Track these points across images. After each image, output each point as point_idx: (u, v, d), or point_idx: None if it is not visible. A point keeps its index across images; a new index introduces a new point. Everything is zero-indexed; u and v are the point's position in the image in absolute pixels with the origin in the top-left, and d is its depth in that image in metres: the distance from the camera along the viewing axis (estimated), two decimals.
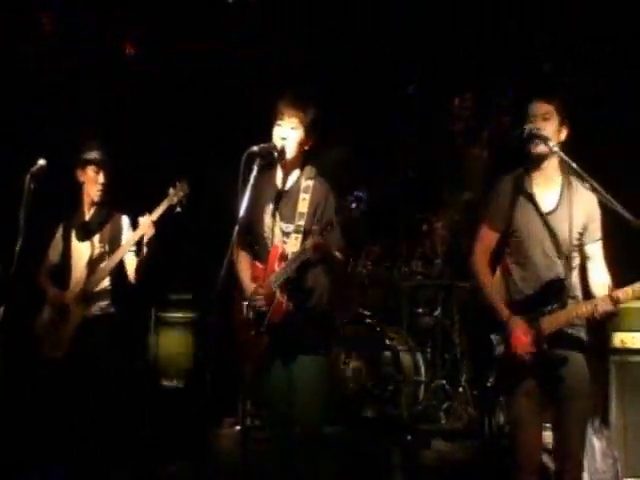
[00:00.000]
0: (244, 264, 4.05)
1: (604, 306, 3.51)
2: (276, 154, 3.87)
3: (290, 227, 3.90)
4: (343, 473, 4.86)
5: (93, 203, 4.90)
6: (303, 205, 3.88)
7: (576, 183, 3.73)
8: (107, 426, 4.71)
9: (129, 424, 5.21)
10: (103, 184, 4.84)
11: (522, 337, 3.63)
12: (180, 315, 6.65)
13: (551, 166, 3.75)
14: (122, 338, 4.88)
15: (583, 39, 5.75)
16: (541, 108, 3.70)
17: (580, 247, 3.75)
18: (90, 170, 4.83)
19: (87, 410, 4.62)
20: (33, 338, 4.83)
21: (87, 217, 4.91)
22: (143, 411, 5.61)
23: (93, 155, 4.83)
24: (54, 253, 4.95)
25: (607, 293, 3.55)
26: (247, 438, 4.60)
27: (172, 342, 6.53)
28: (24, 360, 4.99)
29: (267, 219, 3.96)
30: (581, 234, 3.72)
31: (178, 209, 4.70)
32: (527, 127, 3.67)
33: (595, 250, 3.76)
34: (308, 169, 3.99)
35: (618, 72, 5.60)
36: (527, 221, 3.76)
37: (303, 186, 3.93)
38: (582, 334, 3.73)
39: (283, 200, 3.96)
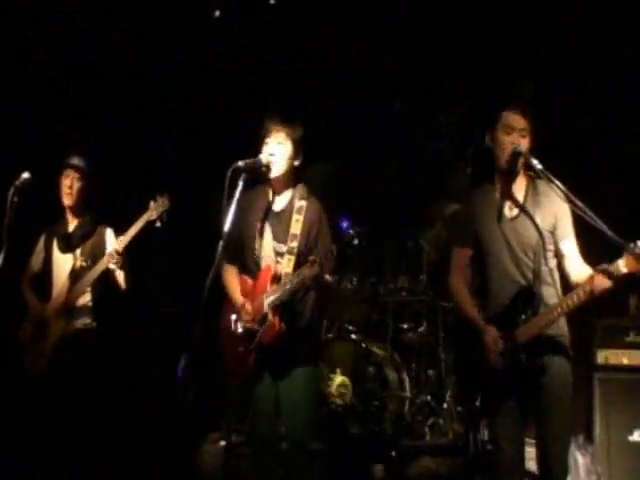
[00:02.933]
0: (232, 278, 4.04)
1: (600, 284, 3.41)
2: (263, 169, 3.88)
3: (283, 248, 3.90)
4: None
5: (75, 214, 4.86)
6: (296, 227, 3.88)
7: (543, 187, 3.71)
8: (89, 443, 4.65)
9: (112, 441, 5.16)
10: (79, 188, 4.79)
11: (493, 346, 3.62)
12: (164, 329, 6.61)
13: (519, 175, 3.78)
14: (104, 353, 4.82)
15: (565, 57, 5.79)
16: (519, 122, 3.69)
17: (555, 247, 3.73)
18: (67, 176, 4.80)
19: (68, 427, 4.57)
20: (15, 351, 4.78)
21: (70, 228, 4.87)
22: (127, 427, 5.56)
23: (72, 160, 4.82)
24: (36, 262, 4.91)
25: (597, 269, 3.46)
26: (232, 454, 4.59)
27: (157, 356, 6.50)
28: (5, 373, 4.95)
29: (258, 236, 3.96)
30: (552, 233, 3.71)
31: (158, 224, 4.62)
32: (512, 147, 3.67)
33: (569, 246, 3.72)
34: (300, 188, 3.99)
35: (604, 86, 5.63)
36: (495, 229, 3.75)
37: (296, 207, 3.93)
38: (564, 342, 3.71)
39: (275, 219, 3.96)
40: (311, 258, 3.64)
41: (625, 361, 4.89)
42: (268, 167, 3.86)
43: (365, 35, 6.45)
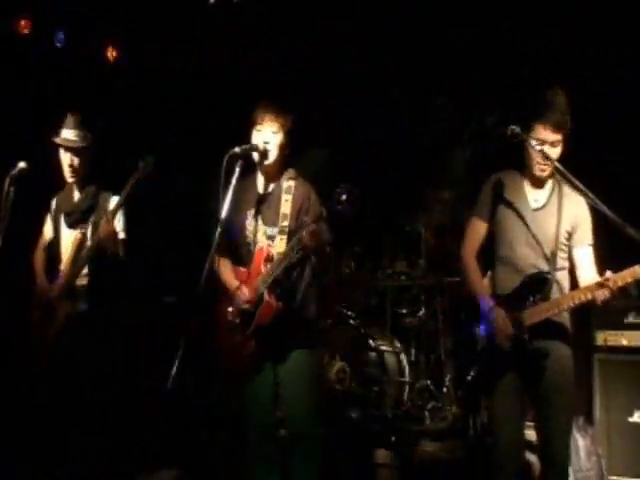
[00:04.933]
0: (226, 268, 4.03)
1: (604, 293, 3.49)
2: (258, 155, 3.86)
3: (274, 230, 3.88)
4: (327, 474, 4.83)
5: (79, 187, 4.67)
6: (286, 206, 3.87)
7: (566, 187, 3.77)
8: (88, 441, 4.62)
9: (111, 430, 5.13)
10: (79, 164, 4.58)
11: (503, 327, 3.65)
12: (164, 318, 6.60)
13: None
14: (104, 337, 4.75)
15: (567, 43, 5.76)
16: (552, 136, 3.70)
17: (569, 250, 3.77)
18: (65, 154, 4.60)
19: (69, 423, 4.53)
20: (21, 338, 4.73)
21: (75, 200, 4.69)
22: (126, 416, 5.54)
23: (63, 136, 4.57)
24: (47, 230, 4.78)
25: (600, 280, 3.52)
26: (231, 444, 4.58)
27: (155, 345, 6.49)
28: (11, 362, 4.93)
29: (249, 224, 3.94)
30: (570, 234, 3.75)
31: (142, 178, 4.44)
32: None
33: (585, 255, 3.76)
34: (289, 171, 3.99)
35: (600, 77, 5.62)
36: (515, 217, 3.80)
37: (284, 187, 3.93)
38: (566, 324, 3.75)
39: (265, 204, 3.95)
40: (305, 219, 3.66)
41: (624, 342, 4.90)
42: (265, 153, 3.85)
43: (361, 22, 6.41)
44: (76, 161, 4.60)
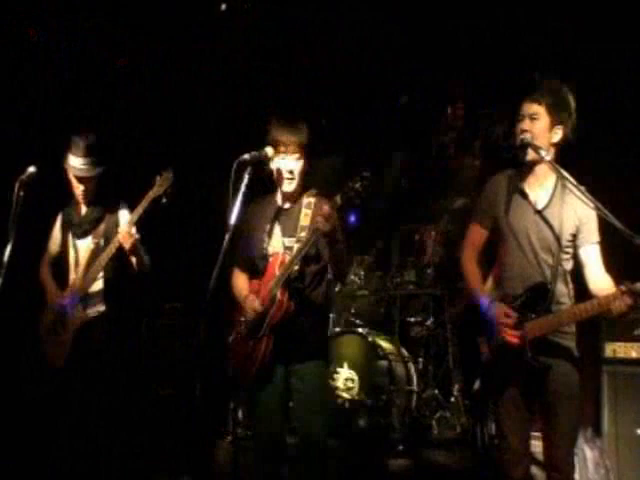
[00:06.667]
0: (240, 281, 4.07)
1: (621, 305, 3.35)
2: (267, 161, 3.88)
3: (292, 240, 3.92)
4: None
5: (89, 198, 4.75)
6: (305, 220, 3.91)
7: (569, 185, 3.64)
8: (102, 436, 4.63)
9: (122, 434, 5.13)
10: (83, 191, 4.68)
11: (504, 318, 3.59)
12: (171, 323, 6.62)
13: (543, 168, 3.71)
14: (118, 341, 4.77)
15: (573, 47, 5.76)
16: (530, 108, 3.67)
17: (574, 251, 3.68)
18: (72, 176, 4.68)
19: (84, 419, 4.55)
20: (34, 343, 4.76)
21: (83, 212, 4.77)
22: (134, 421, 5.55)
23: (73, 164, 4.63)
24: (53, 246, 4.85)
25: (621, 288, 3.37)
26: (238, 448, 4.58)
27: (163, 351, 6.50)
28: (24, 365, 4.95)
29: (267, 237, 3.97)
30: (574, 236, 3.65)
31: (164, 200, 4.50)
32: (520, 137, 3.66)
33: (591, 253, 3.65)
34: (310, 191, 4.04)
35: (605, 81, 5.60)
36: (517, 218, 3.71)
37: (305, 203, 3.97)
38: (570, 343, 3.67)
39: (284, 217, 4.00)
40: (325, 207, 3.65)
41: (634, 354, 4.87)
42: (271, 159, 3.87)
43: (370, 30, 6.43)
44: (89, 187, 4.69)
